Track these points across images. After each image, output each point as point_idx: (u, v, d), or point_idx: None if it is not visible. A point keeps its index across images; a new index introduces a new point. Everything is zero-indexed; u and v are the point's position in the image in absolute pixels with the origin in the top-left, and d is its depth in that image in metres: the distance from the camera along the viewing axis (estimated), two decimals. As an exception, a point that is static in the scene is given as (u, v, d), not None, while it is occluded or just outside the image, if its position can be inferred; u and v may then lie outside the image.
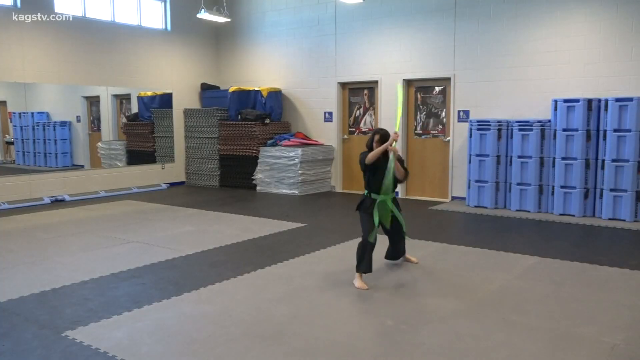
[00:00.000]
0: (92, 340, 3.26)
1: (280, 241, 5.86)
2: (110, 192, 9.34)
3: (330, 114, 9.74)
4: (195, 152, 10.58)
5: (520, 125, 7.45)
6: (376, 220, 4.31)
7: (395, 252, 4.82)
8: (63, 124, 9.67)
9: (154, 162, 10.47)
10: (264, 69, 10.56)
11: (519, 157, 7.47)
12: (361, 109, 9.56)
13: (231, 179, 10.19)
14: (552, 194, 7.31)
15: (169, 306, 3.85)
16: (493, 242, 5.71)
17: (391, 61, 8.93)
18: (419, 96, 8.88)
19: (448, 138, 8.56)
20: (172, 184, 10.50)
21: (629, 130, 6.72)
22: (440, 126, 8.73)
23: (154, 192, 9.77)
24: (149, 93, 10.41)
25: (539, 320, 3.53)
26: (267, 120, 9.78)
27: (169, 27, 10.37)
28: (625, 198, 6.79)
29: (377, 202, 4.35)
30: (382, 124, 9.08)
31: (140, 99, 10.45)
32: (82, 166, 9.78)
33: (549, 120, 7.31)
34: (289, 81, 10.23)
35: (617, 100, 6.78)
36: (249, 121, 9.71)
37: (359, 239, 4.42)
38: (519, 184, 7.52)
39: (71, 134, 9.72)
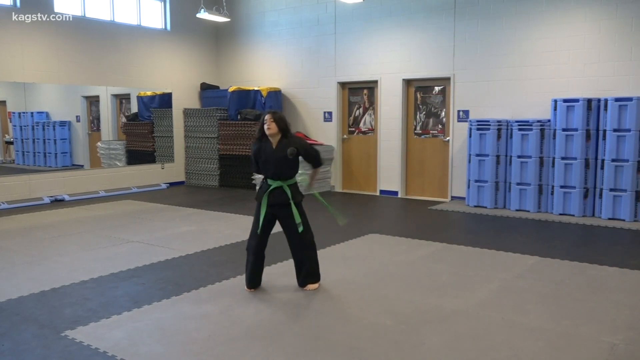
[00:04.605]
0: (92, 340, 3.26)
1: (280, 241, 5.84)
2: (110, 192, 9.33)
3: (330, 113, 9.74)
4: (195, 152, 10.58)
5: (519, 125, 7.45)
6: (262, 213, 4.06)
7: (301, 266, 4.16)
8: (63, 123, 9.67)
9: (153, 161, 10.46)
10: (263, 68, 10.56)
11: (519, 157, 7.47)
12: (361, 109, 9.56)
13: (231, 179, 10.18)
14: (552, 193, 7.31)
15: (169, 306, 3.84)
16: (493, 242, 5.71)
17: (391, 61, 8.92)
18: (418, 96, 8.88)
19: (448, 138, 8.56)
20: (171, 184, 10.50)
21: (629, 130, 6.72)
22: (439, 126, 8.73)
23: (154, 191, 9.76)
24: (149, 93, 10.41)
25: (539, 320, 3.53)
26: (267, 120, 9.76)
27: (168, 27, 10.36)
28: (624, 198, 6.79)
29: (270, 188, 4.04)
30: (382, 124, 9.10)
31: (139, 98, 10.45)
32: (82, 166, 9.78)
33: (549, 120, 7.31)
34: (288, 81, 10.23)
35: (617, 100, 6.78)
36: (248, 121, 9.71)
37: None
38: (518, 184, 7.52)
39: (71, 133, 9.71)
